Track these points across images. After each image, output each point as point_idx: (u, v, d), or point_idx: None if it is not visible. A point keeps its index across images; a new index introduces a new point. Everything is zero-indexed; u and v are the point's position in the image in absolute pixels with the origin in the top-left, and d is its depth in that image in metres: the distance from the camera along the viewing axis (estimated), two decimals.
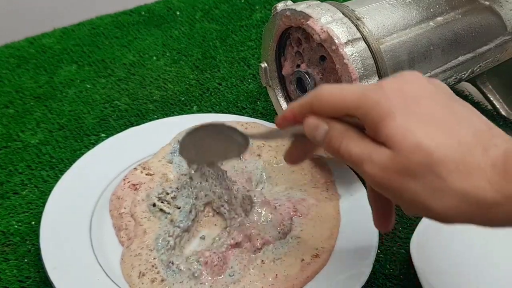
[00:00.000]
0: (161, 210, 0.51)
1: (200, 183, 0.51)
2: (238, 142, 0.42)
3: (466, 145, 0.31)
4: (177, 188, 0.52)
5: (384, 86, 0.34)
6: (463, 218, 0.32)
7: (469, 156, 0.31)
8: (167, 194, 0.52)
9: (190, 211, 0.50)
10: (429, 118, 0.32)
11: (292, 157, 0.42)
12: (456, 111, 0.34)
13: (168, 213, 0.51)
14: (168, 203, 0.52)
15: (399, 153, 0.31)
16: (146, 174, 0.55)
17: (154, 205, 0.52)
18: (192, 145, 0.44)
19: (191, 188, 0.51)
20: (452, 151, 0.31)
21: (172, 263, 0.47)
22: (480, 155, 0.31)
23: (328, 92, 0.35)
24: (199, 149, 0.45)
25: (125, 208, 0.52)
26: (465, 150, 0.31)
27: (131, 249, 0.48)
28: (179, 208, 0.51)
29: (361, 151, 0.33)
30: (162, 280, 0.46)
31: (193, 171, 0.51)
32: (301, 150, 0.41)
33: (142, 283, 0.46)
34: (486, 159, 0.31)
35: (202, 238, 0.51)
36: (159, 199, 0.52)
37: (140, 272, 0.47)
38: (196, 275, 0.46)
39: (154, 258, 0.47)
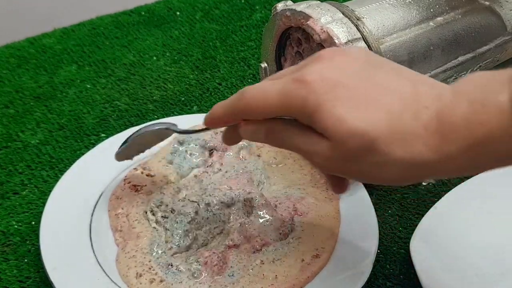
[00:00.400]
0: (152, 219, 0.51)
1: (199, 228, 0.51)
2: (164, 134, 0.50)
3: (395, 114, 0.32)
4: (172, 210, 0.51)
5: (305, 78, 0.33)
6: (414, 179, 0.34)
7: (400, 124, 0.31)
8: (161, 205, 0.51)
9: (186, 235, 0.49)
10: (355, 98, 0.32)
11: (229, 138, 0.41)
12: (379, 80, 0.33)
13: (157, 226, 0.51)
14: (163, 217, 0.51)
15: (337, 143, 0.32)
16: (147, 175, 0.55)
17: (146, 212, 0.51)
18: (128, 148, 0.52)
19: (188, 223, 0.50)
20: (384, 124, 0.31)
21: (171, 265, 0.47)
22: (410, 120, 0.31)
23: (251, 96, 0.35)
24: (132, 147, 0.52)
25: (122, 209, 0.52)
26: (395, 120, 0.31)
27: (125, 251, 0.48)
28: (167, 229, 0.50)
29: (306, 146, 0.34)
30: (161, 281, 0.46)
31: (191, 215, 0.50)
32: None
33: (141, 283, 0.46)
34: (418, 124, 0.31)
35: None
36: (151, 210, 0.51)
37: (137, 272, 0.47)
38: (195, 275, 0.46)
39: (149, 261, 0.47)
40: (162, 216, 0.50)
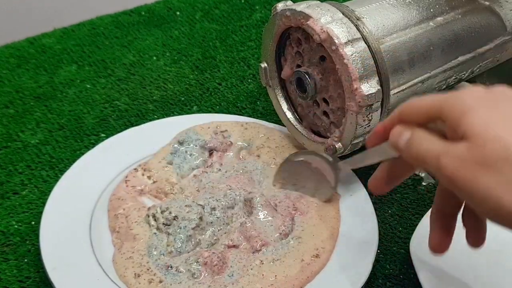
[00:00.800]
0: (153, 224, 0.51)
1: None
2: (328, 185, 0.50)
3: None
4: (175, 217, 0.50)
5: (464, 91, 0.35)
6: None
7: None
8: (165, 211, 0.51)
9: (189, 240, 0.49)
10: (506, 119, 0.32)
11: (377, 184, 0.42)
12: None
13: (157, 232, 0.50)
14: (164, 224, 0.50)
15: (477, 144, 0.32)
16: (148, 177, 0.56)
17: (148, 216, 0.51)
18: (288, 171, 0.53)
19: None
20: None
21: (171, 266, 0.47)
22: None
23: (408, 102, 0.37)
24: (293, 176, 0.53)
25: (123, 209, 0.52)
26: None
27: (121, 252, 0.49)
28: (169, 234, 0.50)
29: (437, 147, 0.34)
30: (160, 281, 0.46)
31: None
32: (386, 176, 0.41)
33: (139, 283, 0.46)
34: None
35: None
36: (154, 216, 0.51)
37: (135, 273, 0.47)
38: (195, 276, 0.46)
39: (147, 262, 0.47)
40: (163, 224, 0.50)
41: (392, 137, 0.37)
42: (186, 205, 0.51)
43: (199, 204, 0.51)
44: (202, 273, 0.46)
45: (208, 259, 0.47)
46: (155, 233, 0.50)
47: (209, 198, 0.52)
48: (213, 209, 0.51)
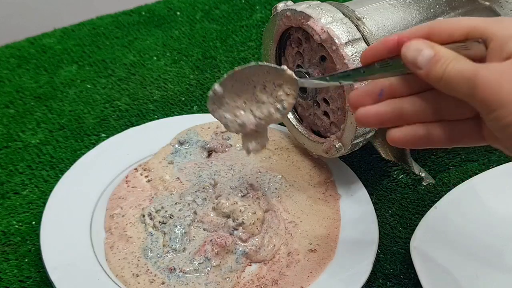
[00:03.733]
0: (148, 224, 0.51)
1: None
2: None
3: None
4: (170, 215, 0.51)
5: (509, 19, 0.34)
6: None
7: None
8: (160, 210, 0.51)
9: (183, 237, 0.50)
10: None
11: (361, 98, 0.37)
12: None
13: (153, 231, 0.51)
14: (160, 222, 0.51)
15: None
16: (145, 177, 0.56)
17: (143, 216, 0.51)
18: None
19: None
20: None
21: (174, 268, 0.47)
22: None
23: (451, 20, 0.35)
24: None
25: (121, 208, 0.52)
26: None
27: (112, 251, 0.49)
28: (165, 233, 0.50)
29: (472, 67, 0.32)
30: (163, 283, 0.46)
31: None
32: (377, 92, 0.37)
33: (139, 283, 0.46)
34: None
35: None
36: (150, 214, 0.51)
37: (133, 273, 0.47)
38: (203, 273, 0.46)
39: (145, 264, 0.47)
40: (160, 222, 0.50)
41: (408, 51, 0.34)
42: (177, 203, 0.51)
43: (189, 199, 0.52)
44: (208, 268, 0.47)
45: (219, 240, 0.47)
46: (150, 232, 0.50)
47: (196, 191, 0.52)
48: (204, 199, 0.52)
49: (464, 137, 0.35)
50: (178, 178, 0.55)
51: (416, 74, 0.34)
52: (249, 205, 0.50)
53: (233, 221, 0.49)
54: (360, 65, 0.39)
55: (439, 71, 0.33)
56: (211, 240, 0.48)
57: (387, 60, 0.37)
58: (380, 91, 0.37)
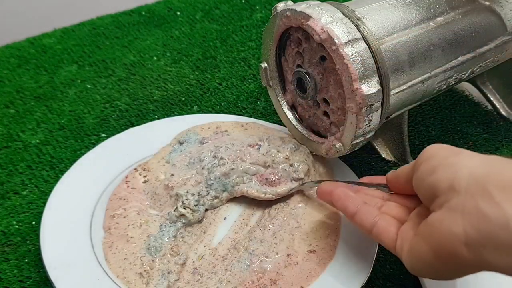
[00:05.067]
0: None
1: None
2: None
3: None
4: (198, 193, 0.53)
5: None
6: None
7: None
8: (187, 194, 0.53)
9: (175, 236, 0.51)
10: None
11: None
12: None
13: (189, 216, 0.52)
14: (196, 205, 0.52)
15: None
16: (144, 177, 0.56)
17: (177, 208, 0.52)
18: None
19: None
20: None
21: (170, 272, 0.47)
22: None
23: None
24: None
25: (124, 210, 0.52)
26: None
27: (111, 251, 0.49)
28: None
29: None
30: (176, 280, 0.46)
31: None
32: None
33: (142, 282, 0.46)
34: None
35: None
36: (183, 203, 0.52)
37: (136, 273, 0.47)
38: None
39: (151, 269, 0.47)
40: (195, 205, 0.52)
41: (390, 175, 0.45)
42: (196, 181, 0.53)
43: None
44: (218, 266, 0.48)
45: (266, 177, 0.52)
46: (160, 226, 0.50)
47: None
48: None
49: (382, 226, 0.41)
50: (172, 174, 0.55)
51: (387, 179, 0.45)
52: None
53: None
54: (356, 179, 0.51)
55: (403, 166, 0.44)
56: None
57: (377, 185, 0.47)
58: (352, 185, 0.47)
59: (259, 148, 0.55)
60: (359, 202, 0.43)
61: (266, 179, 0.53)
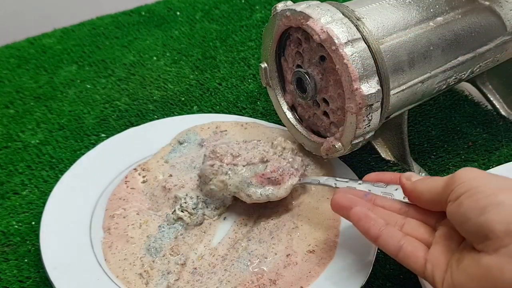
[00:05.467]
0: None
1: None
2: None
3: None
4: (197, 196, 0.53)
5: None
6: None
7: None
8: (186, 197, 0.53)
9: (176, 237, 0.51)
10: None
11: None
12: None
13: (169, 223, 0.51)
14: (194, 208, 0.52)
15: None
16: (143, 177, 0.56)
17: (174, 211, 0.52)
18: None
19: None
20: None
21: (169, 272, 0.47)
22: None
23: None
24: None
25: (124, 210, 0.52)
26: None
27: (111, 251, 0.48)
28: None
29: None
30: (177, 280, 0.46)
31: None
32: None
33: (142, 282, 0.46)
34: None
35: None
36: (181, 206, 0.52)
37: (136, 273, 0.47)
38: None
39: (152, 269, 0.47)
40: (193, 208, 0.51)
41: (406, 173, 0.43)
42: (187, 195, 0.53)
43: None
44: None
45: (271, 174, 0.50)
46: (159, 227, 0.50)
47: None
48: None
49: (409, 250, 0.40)
50: (170, 175, 0.55)
51: (403, 186, 0.43)
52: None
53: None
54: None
55: (424, 180, 0.42)
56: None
57: (383, 184, 0.46)
58: (366, 193, 0.45)
59: (256, 146, 0.54)
60: (381, 224, 0.41)
61: (268, 178, 0.51)
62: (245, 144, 0.54)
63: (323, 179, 0.51)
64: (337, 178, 0.49)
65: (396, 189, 0.45)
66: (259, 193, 0.50)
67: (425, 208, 0.42)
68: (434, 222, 0.42)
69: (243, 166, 0.51)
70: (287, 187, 0.51)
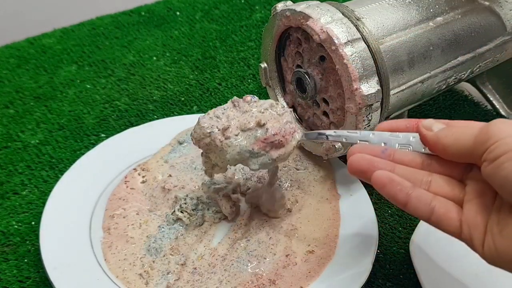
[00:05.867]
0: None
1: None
2: None
3: None
4: (198, 197, 0.53)
5: None
6: None
7: None
8: (186, 198, 0.53)
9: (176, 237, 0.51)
10: None
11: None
12: None
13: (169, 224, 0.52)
14: (194, 209, 0.52)
15: None
16: (143, 177, 0.56)
17: (174, 211, 0.52)
18: None
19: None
20: None
21: (169, 272, 0.47)
22: None
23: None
24: None
25: (124, 210, 0.52)
26: None
27: (111, 251, 0.48)
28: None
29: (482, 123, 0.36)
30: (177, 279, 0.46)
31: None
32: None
33: (142, 282, 0.46)
34: None
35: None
36: (180, 207, 0.52)
37: (136, 273, 0.47)
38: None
39: (152, 269, 0.47)
40: (193, 209, 0.51)
41: (426, 121, 0.38)
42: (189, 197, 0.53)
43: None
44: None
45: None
46: (159, 227, 0.50)
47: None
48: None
49: (441, 213, 0.37)
50: (170, 175, 0.55)
51: (424, 138, 0.38)
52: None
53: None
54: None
55: (450, 131, 0.37)
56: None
57: (398, 133, 0.40)
58: (384, 149, 0.40)
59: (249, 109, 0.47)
60: (407, 187, 0.37)
61: (272, 142, 0.45)
62: (235, 108, 0.47)
63: (331, 133, 0.45)
64: (347, 131, 0.44)
65: (414, 138, 0.40)
66: (263, 160, 0.46)
67: (446, 159, 0.38)
68: (461, 174, 0.38)
69: (236, 135, 0.46)
70: (293, 145, 0.46)
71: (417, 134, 0.39)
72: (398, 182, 0.38)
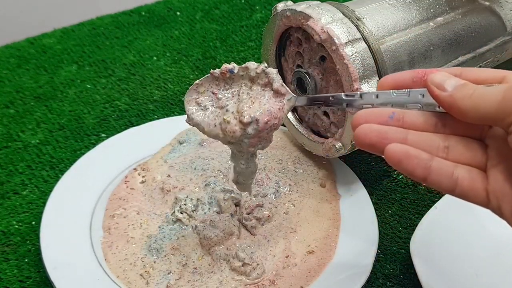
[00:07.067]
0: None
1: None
2: None
3: None
4: (198, 199, 0.53)
5: None
6: None
7: None
8: (186, 199, 0.53)
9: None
10: None
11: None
12: None
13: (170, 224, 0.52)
14: (193, 210, 0.52)
15: None
16: (143, 177, 0.56)
17: (174, 212, 0.52)
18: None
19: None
20: None
21: (170, 272, 0.47)
22: None
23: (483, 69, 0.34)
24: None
25: (124, 209, 0.52)
26: None
27: (111, 251, 0.48)
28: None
29: (504, 85, 0.31)
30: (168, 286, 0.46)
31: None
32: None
33: (143, 281, 0.46)
34: None
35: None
36: (180, 208, 0.52)
37: (137, 273, 0.47)
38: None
39: (153, 269, 0.47)
40: (192, 210, 0.51)
41: (436, 75, 0.33)
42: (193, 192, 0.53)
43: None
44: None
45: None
46: (159, 227, 0.50)
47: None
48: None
49: (466, 185, 0.33)
50: (168, 175, 0.55)
51: (437, 100, 0.34)
52: None
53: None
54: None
55: (467, 92, 0.32)
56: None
57: (405, 90, 0.35)
58: (391, 113, 0.35)
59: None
60: (425, 159, 0.33)
61: (266, 129, 0.40)
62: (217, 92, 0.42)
63: (328, 98, 0.39)
64: (346, 94, 0.38)
65: (423, 95, 0.35)
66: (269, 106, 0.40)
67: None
68: (480, 132, 0.35)
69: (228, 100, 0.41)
70: (285, 115, 0.41)
71: (425, 90, 0.35)
72: (414, 155, 0.33)
